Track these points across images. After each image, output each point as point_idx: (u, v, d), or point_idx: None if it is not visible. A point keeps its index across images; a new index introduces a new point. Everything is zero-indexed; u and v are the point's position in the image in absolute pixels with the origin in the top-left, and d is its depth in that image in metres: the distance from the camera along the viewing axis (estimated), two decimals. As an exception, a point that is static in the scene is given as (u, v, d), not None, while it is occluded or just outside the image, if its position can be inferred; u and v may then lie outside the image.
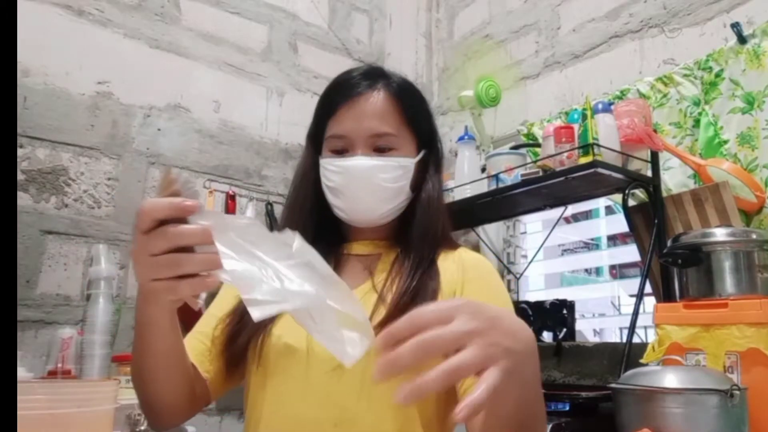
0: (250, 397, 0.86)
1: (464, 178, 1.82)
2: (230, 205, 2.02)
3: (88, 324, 1.52)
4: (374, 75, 0.90)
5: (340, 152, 0.89)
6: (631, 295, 1.83)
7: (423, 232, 0.89)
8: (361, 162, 0.87)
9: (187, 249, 0.58)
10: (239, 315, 0.87)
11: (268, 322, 0.84)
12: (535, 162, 1.65)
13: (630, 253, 1.89)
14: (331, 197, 0.90)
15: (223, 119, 2.11)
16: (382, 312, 0.80)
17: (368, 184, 0.87)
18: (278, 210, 2.15)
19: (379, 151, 0.88)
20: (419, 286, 0.82)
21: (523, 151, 1.83)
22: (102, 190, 1.83)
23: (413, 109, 0.91)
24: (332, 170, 0.89)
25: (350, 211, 0.90)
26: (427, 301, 0.80)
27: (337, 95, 0.90)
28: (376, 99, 0.88)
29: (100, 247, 1.64)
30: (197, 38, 2.09)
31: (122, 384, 1.49)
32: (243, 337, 0.85)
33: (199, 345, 0.87)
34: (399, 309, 0.78)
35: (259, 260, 0.57)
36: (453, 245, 0.93)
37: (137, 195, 1.89)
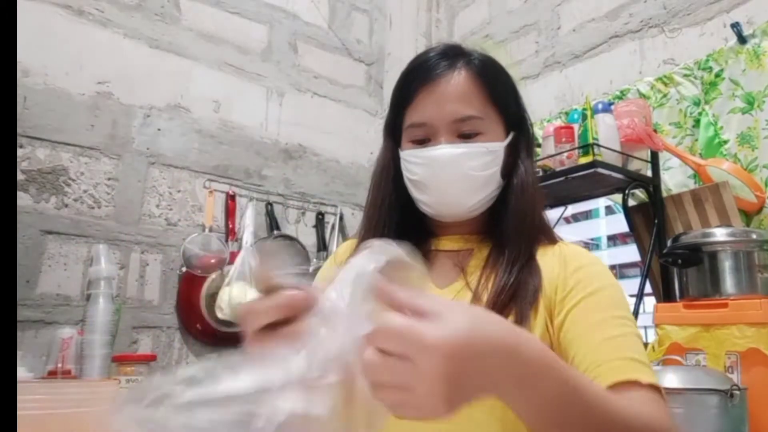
0: None
1: (464, 178, 1.82)
2: (230, 205, 2.02)
3: (88, 324, 1.52)
4: (453, 53, 0.81)
5: (422, 142, 0.81)
6: (631, 295, 1.83)
7: (518, 222, 0.80)
8: (445, 151, 0.78)
9: None
10: None
11: None
12: (535, 162, 1.65)
13: (630, 253, 1.89)
14: (415, 192, 0.83)
15: (223, 119, 2.11)
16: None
17: (455, 174, 0.78)
18: (278, 210, 2.15)
19: (465, 137, 0.79)
20: (518, 283, 0.75)
21: (523, 151, 1.82)
22: (102, 190, 1.83)
23: (499, 88, 0.82)
24: (415, 162, 0.81)
25: (437, 205, 0.82)
26: (528, 299, 0.73)
27: (414, 80, 0.81)
28: (457, 80, 0.79)
29: (100, 247, 1.65)
30: (197, 38, 2.09)
31: (122, 384, 1.50)
32: None
33: None
34: (498, 308, 0.72)
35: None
36: (552, 239, 0.84)
37: (137, 195, 1.89)
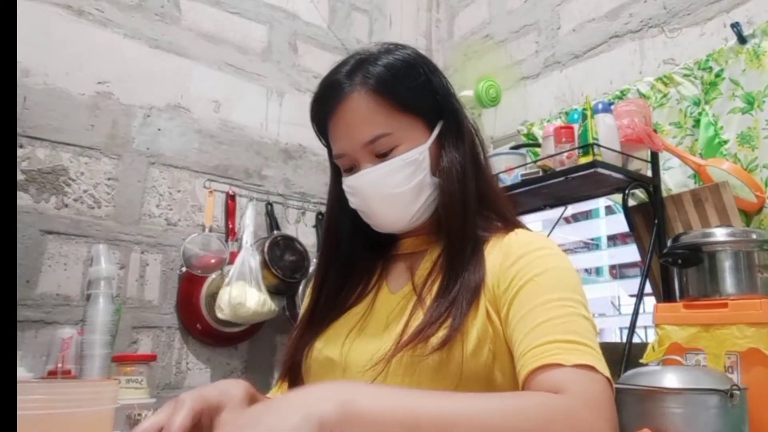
0: None
1: (464, 178, 1.82)
2: (230, 205, 2.02)
3: (88, 324, 1.52)
4: (350, 72, 0.79)
5: (351, 169, 0.82)
6: (631, 295, 1.83)
7: (451, 218, 0.78)
8: (364, 178, 0.79)
9: None
10: (298, 329, 0.87)
11: (313, 336, 0.83)
12: (535, 162, 1.65)
13: (630, 253, 1.89)
14: (361, 215, 0.84)
15: (223, 119, 2.11)
16: (419, 317, 0.74)
17: (380, 195, 0.79)
18: (278, 210, 2.15)
19: (382, 156, 0.78)
20: (460, 283, 0.74)
21: (523, 151, 1.83)
22: (102, 190, 1.83)
23: (404, 93, 0.79)
24: (347, 191, 0.83)
25: (380, 226, 0.83)
26: (467, 298, 0.72)
27: (319, 113, 0.83)
28: (358, 103, 0.77)
29: (100, 247, 1.65)
30: (197, 38, 2.09)
31: (122, 384, 1.50)
32: (296, 351, 0.85)
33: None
34: (437, 311, 0.72)
35: None
36: (508, 226, 0.81)
37: (137, 195, 1.89)
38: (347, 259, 0.88)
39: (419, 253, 0.85)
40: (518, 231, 0.81)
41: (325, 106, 0.81)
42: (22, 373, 1.36)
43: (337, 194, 0.88)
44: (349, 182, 0.82)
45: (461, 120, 0.84)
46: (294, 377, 0.86)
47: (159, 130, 1.96)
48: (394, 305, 0.80)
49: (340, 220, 0.88)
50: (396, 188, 0.78)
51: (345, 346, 0.78)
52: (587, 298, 0.71)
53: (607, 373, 0.62)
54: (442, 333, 0.70)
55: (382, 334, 0.77)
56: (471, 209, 0.80)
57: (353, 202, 0.83)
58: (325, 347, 0.81)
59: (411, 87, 0.80)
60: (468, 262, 0.76)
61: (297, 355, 0.84)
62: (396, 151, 0.78)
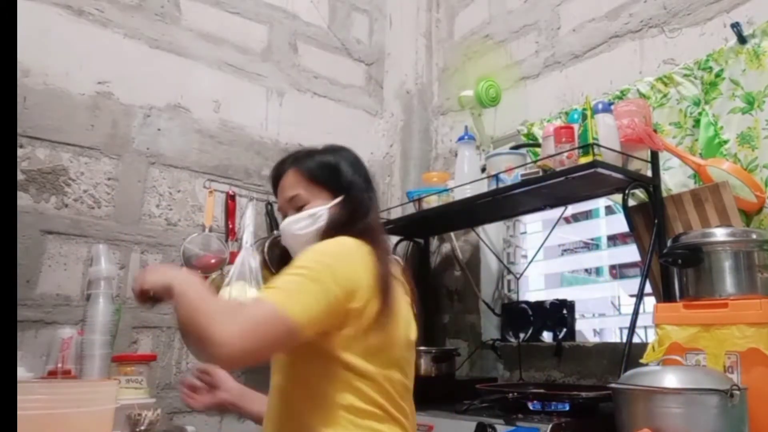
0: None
1: (464, 178, 1.82)
2: (230, 205, 2.02)
3: (88, 324, 1.52)
4: (285, 162, 1.20)
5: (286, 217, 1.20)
6: (631, 295, 1.83)
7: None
8: (283, 223, 1.18)
9: None
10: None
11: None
12: (535, 162, 1.65)
13: (630, 253, 1.89)
14: None
15: (223, 119, 2.11)
16: None
17: (289, 235, 1.16)
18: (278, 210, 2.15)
19: (299, 209, 1.15)
20: None
21: (523, 151, 1.83)
22: (102, 190, 1.83)
23: (315, 171, 1.16)
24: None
25: (292, 255, 1.15)
26: None
27: (273, 186, 1.23)
28: (287, 176, 1.18)
29: (100, 247, 1.65)
30: (197, 38, 2.09)
31: (122, 384, 1.50)
32: None
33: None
34: None
35: None
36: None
37: (137, 195, 1.89)
38: None
39: None
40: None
41: (275, 181, 1.22)
42: (22, 373, 1.36)
43: None
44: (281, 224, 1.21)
45: (357, 198, 1.17)
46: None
47: (159, 130, 1.96)
48: None
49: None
50: (298, 231, 1.14)
51: None
52: (322, 263, 0.99)
53: (279, 302, 0.91)
54: None
55: None
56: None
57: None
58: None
59: (321, 169, 1.17)
60: None
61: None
62: (307, 207, 1.15)
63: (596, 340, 2.27)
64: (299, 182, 1.16)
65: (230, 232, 1.99)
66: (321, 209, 1.14)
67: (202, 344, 0.88)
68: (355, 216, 1.13)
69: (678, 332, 1.22)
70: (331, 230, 1.11)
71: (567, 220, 2.22)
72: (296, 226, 1.14)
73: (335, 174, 1.18)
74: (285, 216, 1.19)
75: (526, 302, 2.06)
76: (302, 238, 1.13)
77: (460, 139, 1.91)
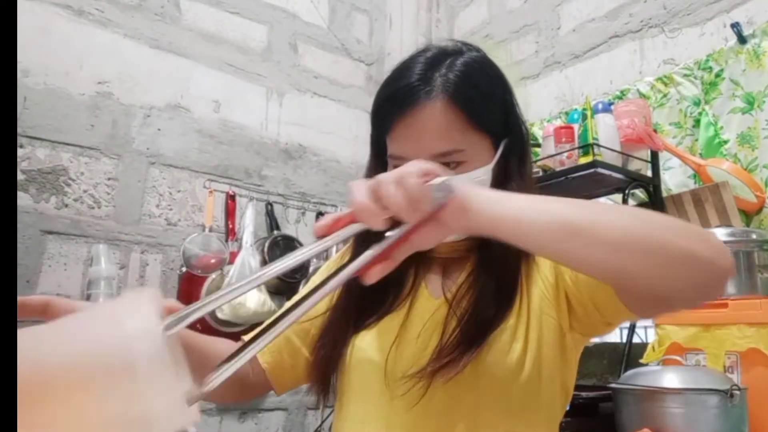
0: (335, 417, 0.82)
1: (464, 178, 1.82)
2: (230, 205, 2.02)
3: (88, 324, 1.52)
4: (430, 69, 0.76)
5: None
6: (631, 295, 1.83)
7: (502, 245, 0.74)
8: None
9: None
10: (335, 319, 0.83)
11: (352, 332, 0.80)
12: (535, 162, 1.65)
13: (630, 253, 1.88)
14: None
15: (223, 119, 2.11)
16: (452, 324, 0.73)
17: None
18: (278, 210, 2.15)
19: (446, 165, 0.73)
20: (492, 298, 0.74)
21: (523, 151, 1.82)
22: (102, 190, 1.83)
23: (481, 108, 0.76)
24: None
25: None
26: (504, 315, 0.73)
27: (388, 113, 0.76)
28: (433, 112, 0.73)
29: (100, 247, 1.65)
30: (197, 38, 2.09)
31: (122, 384, 1.50)
32: (336, 343, 0.80)
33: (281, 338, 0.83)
34: (473, 324, 0.72)
35: None
36: None
37: (137, 195, 1.89)
38: None
39: (456, 260, 0.83)
40: None
41: (398, 105, 0.75)
42: (22, 373, 1.36)
43: None
44: None
45: (524, 140, 0.82)
46: (328, 365, 0.81)
47: (159, 130, 1.96)
48: (432, 311, 0.78)
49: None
50: None
51: (390, 353, 0.76)
52: None
53: None
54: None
55: (421, 341, 0.75)
56: None
57: None
58: (369, 349, 0.78)
59: (488, 101, 0.78)
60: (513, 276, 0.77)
61: (337, 347, 0.80)
62: (462, 166, 0.74)
63: (596, 340, 2.26)
64: (456, 128, 0.74)
65: (230, 232, 1.99)
66: (484, 171, 0.76)
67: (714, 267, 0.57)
68: (522, 171, 0.79)
69: (678, 332, 1.22)
70: None
71: (567, 220, 2.22)
72: None
73: (503, 106, 0.81)
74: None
75: (526, 302, 2.06)
76: None
77: (460, 139, 1.91)
